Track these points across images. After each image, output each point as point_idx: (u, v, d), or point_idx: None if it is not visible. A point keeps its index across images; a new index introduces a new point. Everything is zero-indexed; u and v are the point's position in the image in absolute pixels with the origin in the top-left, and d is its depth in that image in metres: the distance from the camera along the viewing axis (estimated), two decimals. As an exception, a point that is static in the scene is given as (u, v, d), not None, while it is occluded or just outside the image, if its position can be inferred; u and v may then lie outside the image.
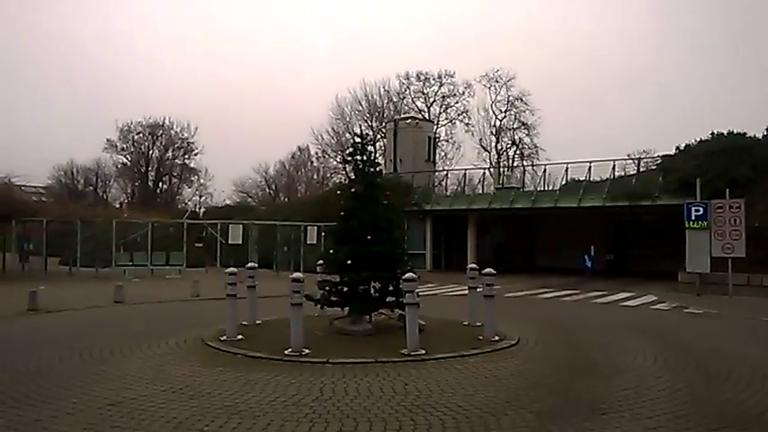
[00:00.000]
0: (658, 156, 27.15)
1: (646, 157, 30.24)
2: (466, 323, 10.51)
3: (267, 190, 55.83)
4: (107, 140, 52.60)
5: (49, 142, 67.61)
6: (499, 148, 48.23)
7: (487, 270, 9.47)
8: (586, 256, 25.91)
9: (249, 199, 53.47)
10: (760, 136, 22.16)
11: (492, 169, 42.09)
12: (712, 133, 22.64)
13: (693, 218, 18.09)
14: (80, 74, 75.94)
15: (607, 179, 26.35)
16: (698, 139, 22.93)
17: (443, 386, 6.51)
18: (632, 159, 30.80)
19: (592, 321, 12.40)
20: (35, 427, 5.10)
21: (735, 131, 22.23)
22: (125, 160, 54.25)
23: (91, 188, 54.80)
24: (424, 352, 7.96)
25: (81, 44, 76.23)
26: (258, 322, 10.46)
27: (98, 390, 6.26)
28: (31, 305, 13.16)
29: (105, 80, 73.21)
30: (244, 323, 9.95)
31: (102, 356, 8.06)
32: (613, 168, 26.71)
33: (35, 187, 44.47)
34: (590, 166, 26.93)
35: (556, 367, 7.71)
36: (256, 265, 11.19)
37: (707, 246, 17.76)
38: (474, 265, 11.15)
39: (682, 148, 23.40)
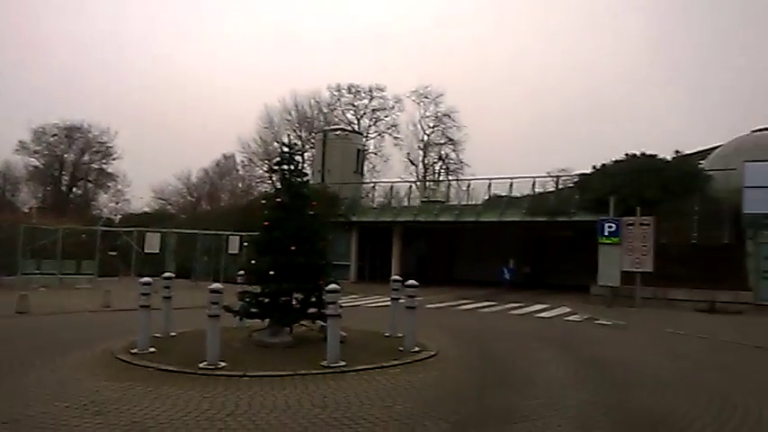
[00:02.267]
0: (575, 174, 28.37)
1: (564, 175, 31.47)
2: (387, 334, 10.54)
3: (189, 197, 54.16)
4: (19, 142, 49.63)
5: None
6: (426, 162, 49.12)
7: (410, 281, 9.55)
8: (505, 269, 26.72)
9: (169, 206, 51.68)
10: (669, 158, 23.55)
11: (418, 183, 42.74)
12: (626, 155, 23.89)
13: (606, 234, 18.98)
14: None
15: (527, 195, 27.30)
16: (613, 160, 24.14)
17: (362, 398, 6.47)
18: (551, 177, 31.96)
19: (508, 332, 12.74)
20: None
21: (646, 153, 23.53)
22: (37, 163, 51.29)
23: (-3, 191, 51.43)
24: (344, 364, 7.91)
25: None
26: (173, 334, 10.09)
27: (-8, 407, 5.83)
28: None
29: (19, 80, 69.00)
30: (157, 335, 9.57)
31: (0, 371, 7.53)
32: (533, 185, 27.76)
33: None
34: (511, 183, 27.91)
35: (473, 378, 7.85)
36: (173, 275, 10.79)
37: (618, 260, 18.67)
38: (398, 277, 11.23)
39: (597, 167, 24.52)
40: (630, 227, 18.87)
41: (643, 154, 23.56)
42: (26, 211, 44.53)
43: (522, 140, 65.66)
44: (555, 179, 30.54)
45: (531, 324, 14.73)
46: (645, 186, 21.26)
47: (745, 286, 18.11)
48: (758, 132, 26.75)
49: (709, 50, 70.31)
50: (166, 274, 10.50)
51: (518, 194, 27.74)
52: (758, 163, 20.05)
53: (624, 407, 6.40)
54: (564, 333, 12.92)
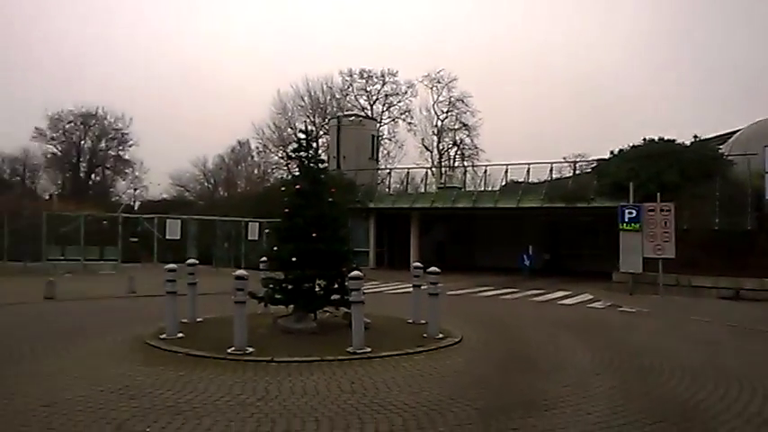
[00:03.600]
0: (593, 159, 28.13)
1: (581, 161, 31.29)
2: (410, 321, 10.58)
3: (206, 184, 54.49)
4: (36, 129, 50.11)
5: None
6: (441, 148, 48.86)
7: (432, 268, 9.54)
8: (525, 256, 26.56)
9: (187, 193, 52.08)
10: (688, 143, 23.23)
11: (434, 169, 42.60)
12: (644, 139, 23.64)
13: (627, 220, 18.75)
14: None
15: (545, 181, 27.15)
16: (631, 145, 23.89)
17: (390, 384, 6.53)
18: (568, 162, 31.83)
19: (531, 319, 12.72)
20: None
21: (665, 138, 23.23)
22: (55, 150, 51.87)
23: (18, 179, 52.08)
24: (369, 350, 7.97)
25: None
26: (199, 320, 10.23)
27: (32, 390, 5.97)
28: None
29: (32, 66, 69.61)
30: (184, 321, 9.69)
31: (35, 355, 7.72)
32: (551, 171, 27.63)
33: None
34: (528, 168, 27.79)
35: (498, 364, 7.88)
36: (197, 262, 10.93)
37: (639, 247, 18.45)
38: (418, 264, 11.22)
39: (615, 152, 24.29)
40: (651, 213, 18.62)
41: (661, 139, 23.28)
42: (46, 198, 45.12)
43: (535, 126, 65.15)
44: (572, 165, 30.45)
45: (554, 311, 14.70)
46: (664, 171, 21.03)
47: (771, 274, 17.84)
48: (779, 117, 26.32)
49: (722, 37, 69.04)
50: (190, 261, 10.62)
51: (535, 180, 27.62)
52: (780, 148, 19.73)
53: (653, 393, 6.39)
54: (588, 320, 12.88)
